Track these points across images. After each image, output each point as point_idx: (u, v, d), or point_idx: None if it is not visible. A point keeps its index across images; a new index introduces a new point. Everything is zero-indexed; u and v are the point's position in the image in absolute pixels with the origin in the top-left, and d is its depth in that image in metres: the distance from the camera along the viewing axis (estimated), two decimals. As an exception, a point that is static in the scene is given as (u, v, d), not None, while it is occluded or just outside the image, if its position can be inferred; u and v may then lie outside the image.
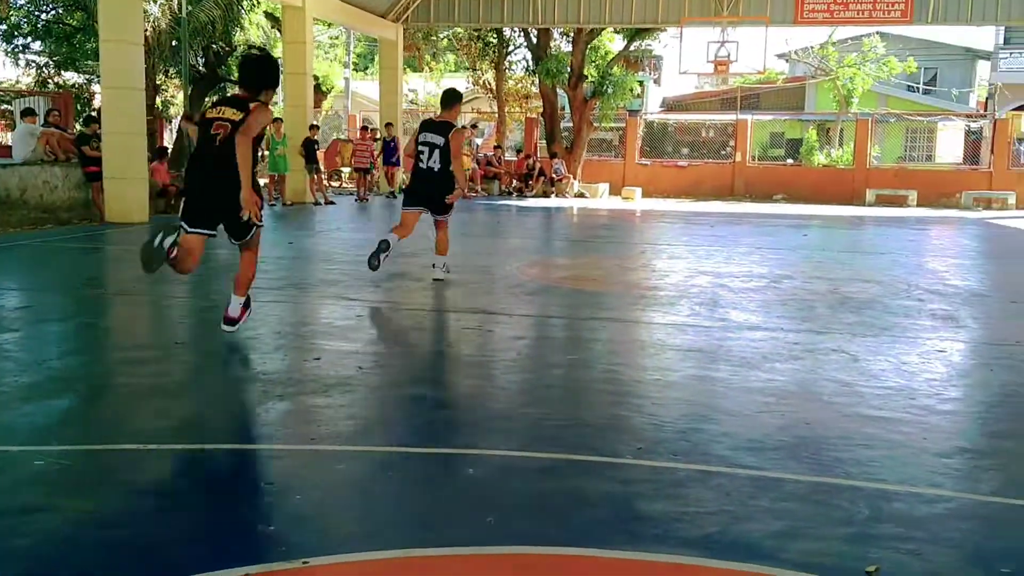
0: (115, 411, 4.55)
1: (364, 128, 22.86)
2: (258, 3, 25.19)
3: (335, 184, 24.75)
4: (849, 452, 4.00)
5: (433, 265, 8.90)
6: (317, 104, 29.02)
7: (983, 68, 37.88)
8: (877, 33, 30.51)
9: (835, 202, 23.89)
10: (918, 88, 37.12)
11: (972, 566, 2.92)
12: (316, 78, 28.46)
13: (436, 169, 8.43)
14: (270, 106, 5.67)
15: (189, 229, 5.71)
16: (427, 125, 8.57)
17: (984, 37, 37.98)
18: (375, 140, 22.30)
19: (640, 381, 5.36)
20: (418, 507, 3.32)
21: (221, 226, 5.74)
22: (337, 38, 38.26)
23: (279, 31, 25.91)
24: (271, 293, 8.03)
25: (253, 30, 28.38)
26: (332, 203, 19.48)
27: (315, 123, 20.32)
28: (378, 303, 7.77)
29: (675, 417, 4.52)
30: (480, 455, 3.86)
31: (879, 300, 8.25)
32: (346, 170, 25.21)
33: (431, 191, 8.56)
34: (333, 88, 35.16)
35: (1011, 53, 31.44)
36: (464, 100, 39.29)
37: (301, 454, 3.88)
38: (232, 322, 5.91)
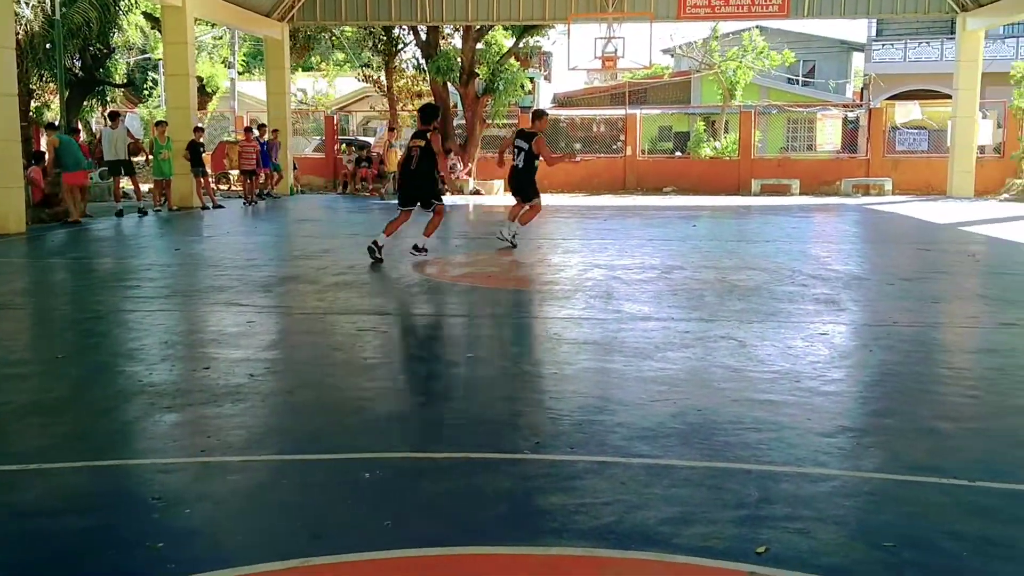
0: (-10, 432, 4.34)
1: (248, 130, 22.35)
2: (136, 4, 24.36)
3: (223, 187, 24.16)
4: (739, 436, 4.10)
5: (514, 235, 11.77)
6: (202, 106, 28.32)
7: (858, 60, 39.49)
8: (757, 27, 31.44)
9: (722, 192, 24.52)
10: (798, 80, 38.43)
11: (857, 541, 3.03)
12: (200, 79, 27.75)
13: (520, 167, 11.71)
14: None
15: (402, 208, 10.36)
16: (520, 133, 12.02)
17: (858, 30, 39.62)
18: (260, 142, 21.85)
19: (537, 376, 5.39)
20: (313, 515, 3.26)
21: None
22: (221, 38, 37.32)
23: (159, 32, 25.15)
24: (157, 302, 7.80)
25: (132, 31, 27.45)
26: (220, 207, 19.01)
27: (200, 125, 19.77)
28: (270, 308, 7.60)
29: (571, 410, 4.56)
30: (376, 458, 3.82)
31: (765, 287, 8.50)
32: (235, 173, 24.61)
33: (519, 183, 11.92)
34: (219, 89, 34.29)
35: (883, 45, 32.85)
36: (356, 99, 38.84)
37: (190, 467, 3.77)
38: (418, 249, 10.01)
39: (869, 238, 14.03)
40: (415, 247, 10.37)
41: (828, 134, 27.99)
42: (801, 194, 24.14)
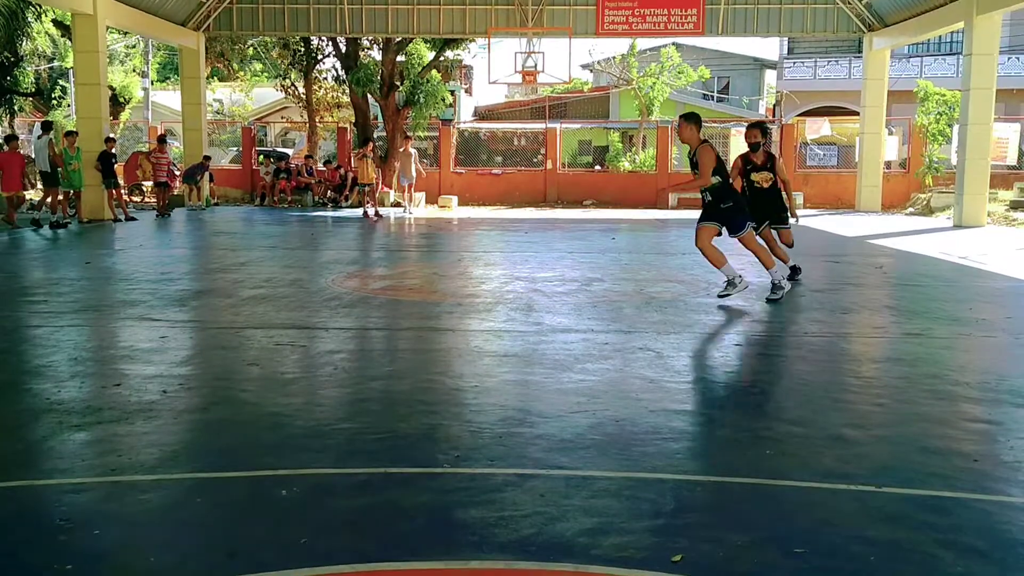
0: None
1: (162, 140, 21.87)
2: (45, 11, 23.65)
3: (136, 199, 23.59)
4: (656, 446, 4.17)
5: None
6: (115, 116, 27.59)
7: (771, 76, 40.60)
8: (673, 44, 32.08)
9: (641, 206, 24.91)
10: (713, 96, 39.31)
11: (768, 548, 3.10)
12: (112, 89, 27.04)
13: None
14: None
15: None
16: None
17: (770, 48, 40.66)
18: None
19: (458, 389, 5.39)
20: (228, 534, 3.20)
21: None
22: (135, 47, 36.46)
23: (70, 40, 24.46)
24: (67, 317, 7.56)
25: (41, 39, 26.65)
26: (133, 219, 18.53)
27: (111, 136, 19.27)
28: (183, 323, 7.44)
29: (492, 423, 4.57)
30: (292, 475, 3.77)
31: (681, 299, 8.66)
32: (148, 184, 24.06)
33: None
34: (132, 99, 33.46)
35: (794, 63, 33.82)
36: (275, 110, 38.26)
37: (100, 486, 3.66)
38: None
39: (782, 251, 14.37)
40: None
41: (741, 149, 28.63)
42: (717, 207, 24.62)
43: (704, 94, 38.57)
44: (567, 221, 19.98)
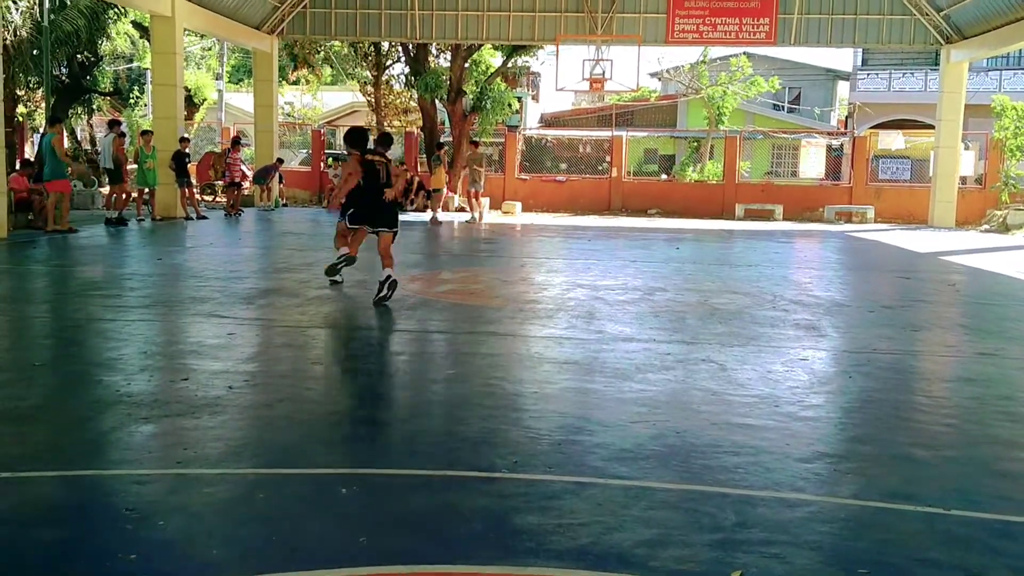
0: (-37, 439, 4.30)
1: (236, 142, 22.32)
2: (125, 12, 24.33)
3: (208, 198, 24.10)
4: (717, 460, 4.11)
5: None
6: (189, 116, 28.26)
7: (843, 88, 39.88)
8: (744, 53, 31.73)
9: (706, 216, 24.65)
10: (783, 107, 38.77)
11: (832, 568, 3.04)
12: (187, 90, 27.71)
13: None
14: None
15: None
16: None
17: (843, 59, 40.01)
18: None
19: (517, 394, 5.38)
20: (289, 529, 3.24)
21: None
22: (210, 49, 37.33)
23: (148, 41, 25.12)
24: (138, 312, 7.75)
25: (120, 40, 27.42)
26: (204, 217, 18.93)
27: (186, 135, 19.72)
28: (251, 320, 7.58)
29: (551, 429, 4.56)
30: (353, 474, 3.81)
31: (746, 311, 8.54)
32: (220, 183, 24.58)
33: None
34: (206, 100, 34.25)
35: (868, 74, 33.18)
36: (344, 113, 38.84)
37: (166, 479, 3.75)
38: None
39: (851, 265, 14.12)
40: None
41: (812, 161, 28.22)
42: (784, 220, 24.30)
43: (775, 104, 38.06)
44: (631, 230, 19.87)
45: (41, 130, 21.25)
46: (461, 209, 24.28)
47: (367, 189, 8.61)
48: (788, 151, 33.76)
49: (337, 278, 9.43)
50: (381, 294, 8.21)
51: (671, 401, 5.17)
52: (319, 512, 3.41)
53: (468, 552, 3.07)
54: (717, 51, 31.79)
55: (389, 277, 8.27)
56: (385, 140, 9.60)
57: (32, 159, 20.18)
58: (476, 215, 20.86)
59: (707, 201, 25.66)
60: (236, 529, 3.27)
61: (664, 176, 30.07)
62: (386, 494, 3.62)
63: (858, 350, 6.95)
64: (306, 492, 3.65)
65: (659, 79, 41.14)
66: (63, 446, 4.21)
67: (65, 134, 16.26)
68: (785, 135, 31.55)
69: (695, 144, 31.22)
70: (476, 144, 22.45)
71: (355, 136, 8.77)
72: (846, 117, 36.17)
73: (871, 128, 29.92)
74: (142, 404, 4.81)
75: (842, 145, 27.42)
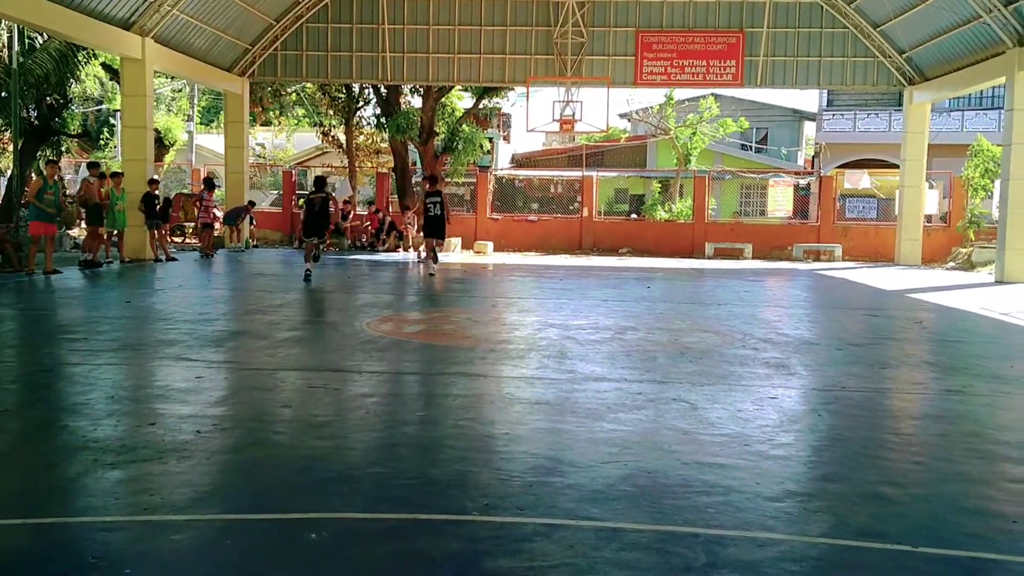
0: (-77, 488, 4.22)
1: (209, 184, 22.29)
2: (95, 55, 24.30)
3: (177, 240, 23.97)
4: (688, 499, 4.12)
5: None
6: (159, 158, 28.17)
7: (809, 128, 40.55)
8: (712, 95, 32.22)
9: (677, 255, 24.88)
10: (751, 147, 39.32)
11: (801, 606, 3.04)
12: (157, 131, 27.64)
13: None
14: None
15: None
16: None
17: (809, 100, 40.66)
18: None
19: (488, 436, 5.37)
20: (257, 576, 3.20)
21: None
22: (180, 91, 37.32)
23: (117, 83, 25.07)
24: (105, 356, 7.67)
25: (90, 82, 27.35)
26: (174, 259, 18.84)
27: (155, 177, 19.66)
28: (219, 363, 7.51)
29: (522, 471, 4.55)
30: (322, 519, 3.77)
31: (716, 350, 8.59)
32: (189, 225, 24.49)
33: None
34: (176, 142, 34.17)
35: (834, 115, 33.76)
36: (315, 154, 39.02)
37: (133, 526, 3.69)
38: None
39: (819, 303, 14.27)
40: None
41: (780, 200, 28.60)
42: (753, 258, 24.57)
43: (743, 144, 38.60)
44: (602, 269, 19.98)
45: (8, 173, 21.10)
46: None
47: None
48: (756, 190, 34.16)
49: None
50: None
51: (642, 441, 5.18)
52: (288, 558, 3.36)
53: (439, 597, 3.05)
54: (685, 92, 32.29)
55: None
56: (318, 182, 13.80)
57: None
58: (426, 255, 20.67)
59: (677, 240, 25.92)
60: (204, 574, 3.22)
61: (634, 216, 30.32)
62: (356, 540, 3.59)
63: (827, 388, 7.01)
64: (275, 538, 3.60)
65: (628, 120, 41.62)
66: (28, 493, 4.13)
67: (57, 177, 16.10)
68: (753, 175, 31.98)
69: (664, 184, 31.54)
70: (426, 182, 22.51)
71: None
72: (812, 157, 36.76)
73: (837, 168, 30.43)
74: (108, 449, 4.74)
75: (809, 184, 27.86)
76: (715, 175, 29.10)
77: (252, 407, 6.08)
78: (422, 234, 17.22)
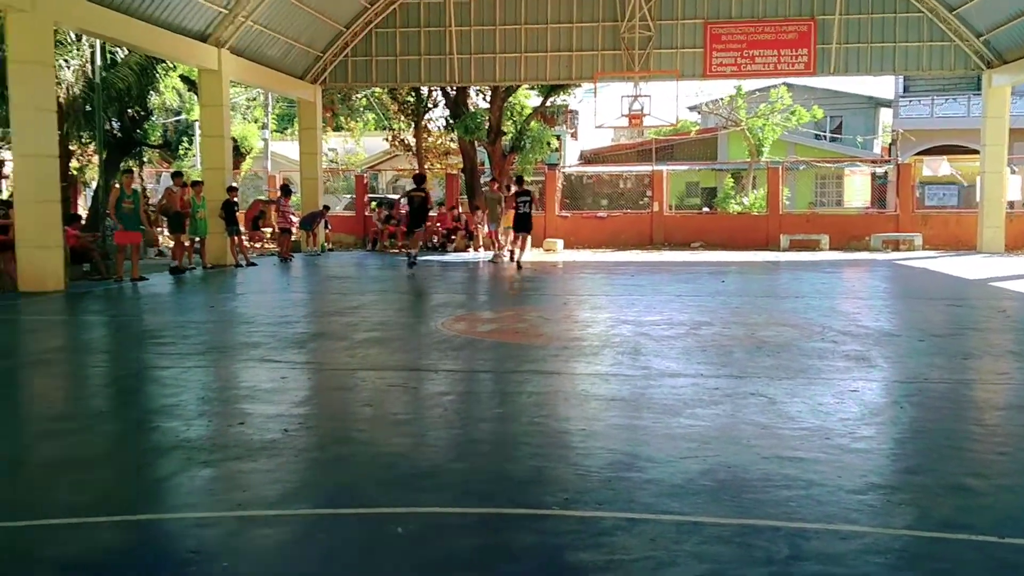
0: (31, 486, 4.44)
1: (285, 190, 22.80)
2: (173, 67, 25.05)
3: (256, 245, 24.54)
4: (768, 493, 4.12)
5: None
6: (236, 166, 28.89)
7: (886, 115, 39.60)
8: (784, 84, 31.73)
9: (751, 248, 24.56)
10: (825, 136, 38.59)
11: (886, 598, 3.03)
12: (234, 140, 28.35)
13: None
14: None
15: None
16: None
17: (885, 86, 39.72)
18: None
19: (565, 432, 5.42)
20: (347, 568, 3.32)
21: None
22: (255, 99, 38.18)
23: (195, 93, 25.78)
24: (193, 359, 7.93)
25: (169, 93, 28.15)
26: (253, 264, 19.31)
27: (234, 185, 20.18)
28: (302, 364, 7.72)
29: (600, 466, 4.59)
30: (408, 513, 3.88)
31: (794, 343, 8.50)
32: (268, 231, 25.07)
33: None
34: (252, 149, 34.98)
35: (910, 101, 32.95)
36: (386, 158, 39.52)
37: (226, 521, 3.84)
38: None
39: (899, 294, 13.98)
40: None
41: (856, 189, 28.02)
42: (830, 249, 24.13)
43: (816, 134, 37.93)
44: (674, 264, 19.85)
45: (93, 184, 21.86)
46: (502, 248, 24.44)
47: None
48: (832, 180, 33.58)
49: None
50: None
51: (720, 436, 5.18)
52: (376, 550, 3.48)
53: (523, 589, 3.12)
54: (756, 82, 31.85)
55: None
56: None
57: (79, 213, 20.81)
58: (495, 253, 20.81)
59: (751, 232, 25.59)
60: (296, 569, 3.35)
61: (706, 209, 30.03)
62: (441, 533, 3.68)
63: (909, 380, 6.89)
64: (363, 531, 3.72)
65: (699, 112, 41.24)
66: (126, 490, 4.34)
67: (136, 186, 16.70)
68: (828, 164, 31.41)
69: (736, 176, 31.16)
70: (493, 181, 22.71)
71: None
72: (890, 144, 35.90)
73: (915, 155, 29.68)
74: (201, 448, 4.94)
75: (886, 173, 27.24)
76: (789, 165, 28.67)
77: (335, 406, 6.25)
78: (511, 229, 19.39)
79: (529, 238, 19.52)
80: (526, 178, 25.96)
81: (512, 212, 19.18)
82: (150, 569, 3.35)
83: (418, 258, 18.65)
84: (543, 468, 4.61)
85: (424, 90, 28.78)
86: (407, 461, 4.75)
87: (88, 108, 21.43)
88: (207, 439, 5.18)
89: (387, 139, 33.01)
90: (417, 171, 24.77)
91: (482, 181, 26.64)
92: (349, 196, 31.89)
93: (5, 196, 22.19)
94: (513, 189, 19.75)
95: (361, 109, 34.53)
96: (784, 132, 31.71)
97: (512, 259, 19.09)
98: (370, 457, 4.89)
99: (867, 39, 22.78)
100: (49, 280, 13.60)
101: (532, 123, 26.37)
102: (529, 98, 27.76)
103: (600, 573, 3.24)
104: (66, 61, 20.62)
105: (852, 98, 40.25)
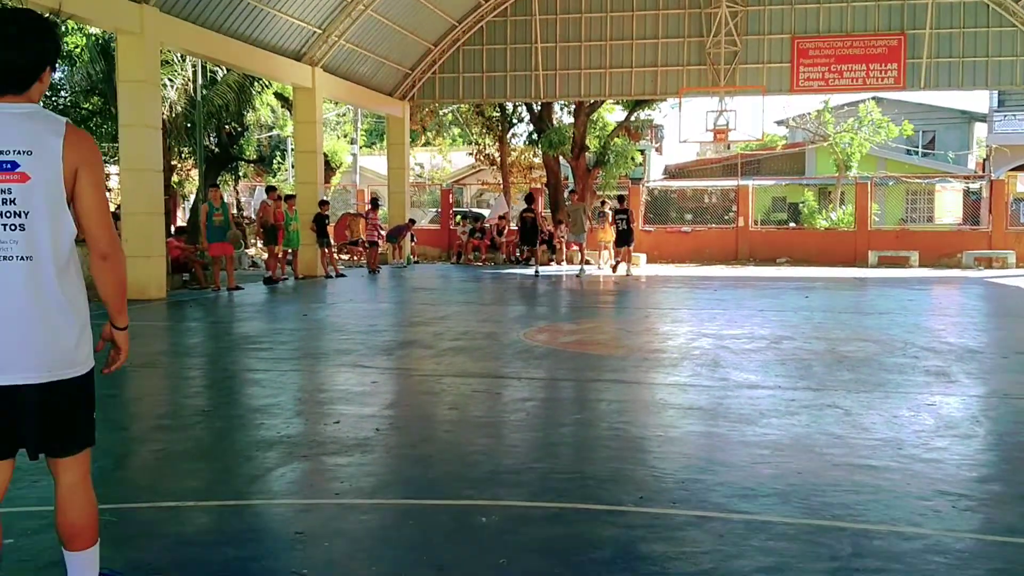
0: (149, 473, 4.86)
1: (375, 203, 23.47)
2: (269, 85, 26.06)
3: (345, 257, 25.27)
4: (837, 497, 4.27)
5: None
6: (326, 180, 29.80)
7: (980, 130, 38.60)
8: (873, 98, 31.25)
9: (838, 264, 24.26)
10: (918, 151, 37.80)
11: (945, 594, 3.18)
12: (325, 155, 29.28)
13: None
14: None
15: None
16: None
17: (979, 100, 38.71)
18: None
19: (642, 437, 5.64)
20: (436, 552, 3.61)
21: None
22: (344, 115, 39.24)
23: (289, 111, 26.72)
24: (289, 363, 8.39)
25: (264, 110, 29.25)
26: (343, 275, 19.94)
27: (325, 199, 20.88)
28: (391, 370, 8.10)
29: (675, 469, 4.81)
30: (492, 506, 4.16)
31: (875, 358, 8.54)
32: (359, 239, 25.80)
33: None
34: (342, 164, 35.96)
35: (1005, 116, 32.12)
36: (471, 172, 40.13)
37: (327, 507, 4.19)
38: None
39: (987, 311, 13.75)
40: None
41: (948, 205, 27.41)
42: (920, 266, 23.69)
43: (908, 149, 37.18)
44: (758, 279, 19.79)
45: (192, 198, 22.87)
46: (586, 262, 24.66)
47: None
48: (923, 196, 32.86)
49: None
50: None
51: (794, 444, 5.33)
52: (462, 537, 3.77)
53: (599, 574, 3.36)
54: (845, 96, 31.46)
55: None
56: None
57: (185, 225, 21.77)
58: (583, 268, 21.09)
59: (838, 248, 25.27)
60: (390, 551, 3.65)
61: (792, 224, 29.73)
62: (522, 524, 3.95)
63: (989, 395, 6.90)
64: (450, 520, 4.01)
65: (786, 126, 40.80)
66: (234, 479, 4.72)
67: (223, 198, 17.51)
68: (919, 180, 30.79)
69: (823, 191, 30.77)
70: (574, 193, 23.02)
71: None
72: (984, 160, 34.98)
73: (1011, 170, 28.90)
74: (300, 444, 5.32)
75: (980, 188, 26.60)
76: (878, 181, 28.21)
77: (422, 408, 6.59)
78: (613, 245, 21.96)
79: (632, 251, 21.37)
80: (608, 193, 26.26)
81: (613, 228, 21.64)
82: (261, 547, 3.70)
83: (537, 269, 21.08)
84: (620, 469, 4.85)
85: (509, 105, 29.24)
86: (490, 459, 5.04)
87: (188, 124, 22.48)
88: (305, 436, 5.56)
89: (472, 154, 33.60)
90: (529, 191, 25.76)
91: (565, 196, 26.92)
92: (435, 210, 32.54)
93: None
94: (612, 207, 22.13)
95: (447, 124, 35.20)
96: (873, 147, 31.19)
97: (614, 271, 21.12)
98: (455, 455, 5.20)
99: (959, 53, 22.38)
100: (152, 288, 14.34)
101: (616, 138, 26.56)
102: (612, 112, 27.95)
103: (671, 562, 3.47)
104: (170, 80, 21.65)
105: (945, 112, 39.35)
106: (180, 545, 3.70)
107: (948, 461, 5.02)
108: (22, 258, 2.61)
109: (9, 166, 2.59)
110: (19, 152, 2.60)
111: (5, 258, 2.59)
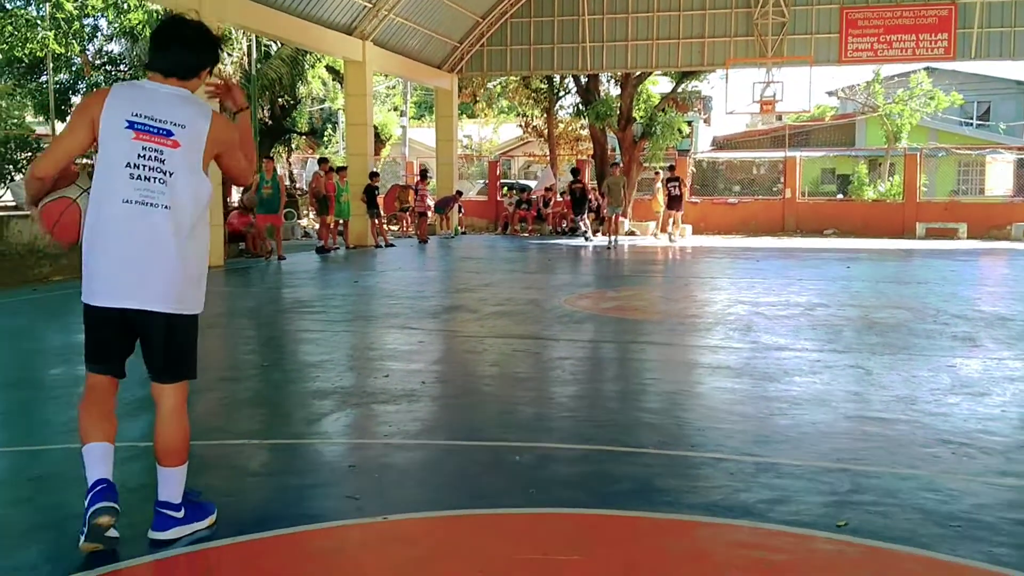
0: (216, 416, 5.36)
1: (424, 175, 23.96)
2: (320, 58, 26.57)
3: (394, 228, 25.83)
4: (844, 444, 4.63)
5: None
6: (376, 152, 30.35)
7: (1036, 100, 37.92)
8: (925, 69, 30.89)
9: (885, 236, 24.21)
10: (972, 122, 37.24)
11: (928, 523, 3.54)
12: (375, 127, 29.79)
13: None
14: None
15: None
16: None
17: (1035, 70, 37.92)
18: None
19: (669, 392, 6.03)
20: (474, 483, 4.05)
21: None
22: (394, 88, 39.71)
23: (340, 84, 27.23)
24: (342, 324, 8.90)
25: (315, 83, 29.82)
26: (392, 245, 20.47)
27: (375, 171, 21.39)
28: (437, 331, 8.57)
29: (696, 419, 5.20)
30: (525, 446, 4.58)
31: (905, 324, 8.79)
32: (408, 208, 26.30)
33: None
34: (391, 136, 36.48)
35: (1062, 85, 31.56)
36: (518, 144, 40.30)
37: (376, 446, 4.66)
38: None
39: (1030, 282, 13.81)
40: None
41: (1000, 177, 27.13)
42: (969, 238, 23.57)
43: (960, 120, 36.66)
44: (803, 250, 19.90)
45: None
46: (631, 233, 24.93)
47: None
48: (975, 168, 32.50)
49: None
50: None
51: (811, 399, 5.67)
52: (497, 471, 4.20)
53: (617, 504, 3.77)
54: (896, 67, 31.13)
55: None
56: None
57: (242, 200, 22.40)
58: (614, 239, 21.10)
59: (886, 220, 25.20)
60: (434, 480, 4.11)
61: (840, 196, 29.62)
62: (551, 462, 4.38)
63: (1011, 358, 7.14)
64: (487, 458, 4.45)
65: (836, 97, 40.41)
66: (292, 423, 5.21)
67: (275, 170, 18.07)
68: (969, 151, 30.43)
69: (872, 162, 30.57)
70: (616, 166, 23.29)
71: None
72: (1039, 130, 34.42)
73: (1066, 141, 28.46)
74: (353, 394, 5.80)
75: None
76: (928, 152, 27.98)
77: (465, 365, 7.06)
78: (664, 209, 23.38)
79: (681, 215, 23.30)
80: (655, 164, 26.40)
81: (665, 195, 23.25)
82: (319, 475, 4.17)
83: (586, 236, 22.85)
84: (644, 418, 5.25)
85: (556, 78, 29.44)
86: (527, 409, 5.47)
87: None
88: (357, 387, 6.05)
89: (520, 125, 33.87)
90: (575, 164, 26.39)
91: (611, 166, 27.14)
92: (482, 181, 32.95)
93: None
94: (664, 177, 23.83)
95: (497, 96, 35.51)
96: (925, 118, 30.88)
97: (670, 239, 22.56)
98: (495, 405, 5.65)
99: (1010, 23, 22.09)
100: (212, 256, 14.95)
101: (663, 109, 26.67)
102: (657, 84, 28.00)
103: (684, 495, 3.86)
104: (228, 54, 22.27)
105: (1000, 83, 38.64)
106: (246, 475, 4.19)
107: (956, 415, 5.33)
108: (165, 207, 3.21)
109: (166, 132, 3.23)
110: (175, 124, 3.25)
111: (152, 205, 3.19)
